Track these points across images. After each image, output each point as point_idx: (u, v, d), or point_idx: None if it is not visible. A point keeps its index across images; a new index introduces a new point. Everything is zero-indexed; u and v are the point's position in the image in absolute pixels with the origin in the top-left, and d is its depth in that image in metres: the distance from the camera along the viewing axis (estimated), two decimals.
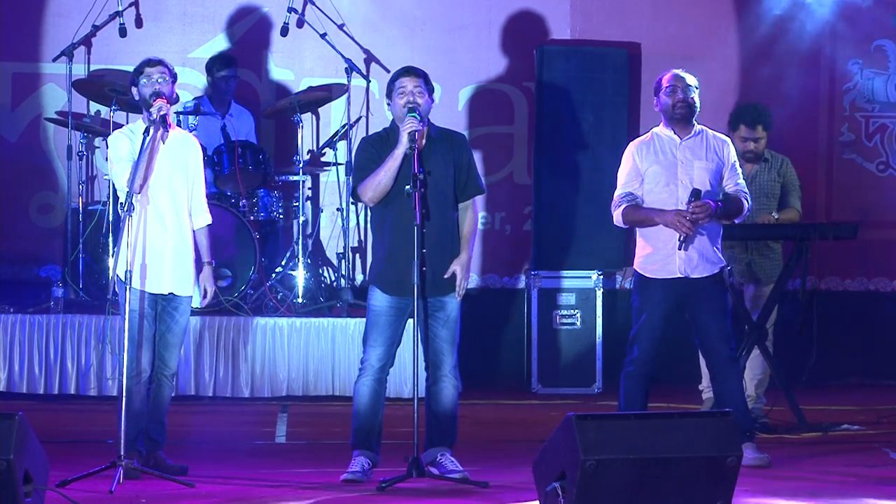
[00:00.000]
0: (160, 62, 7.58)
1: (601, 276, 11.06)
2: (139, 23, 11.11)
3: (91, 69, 11.11)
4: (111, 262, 7.51)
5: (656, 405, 9.98)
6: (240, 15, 11.54)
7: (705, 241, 7.71)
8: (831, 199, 11.75)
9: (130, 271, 7.22)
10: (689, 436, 6.21)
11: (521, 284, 11.47)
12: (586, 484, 6.04)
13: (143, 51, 10.83)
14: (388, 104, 7.51)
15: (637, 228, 7.85)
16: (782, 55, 11.61)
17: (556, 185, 11.14)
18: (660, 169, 7.76)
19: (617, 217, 7.84)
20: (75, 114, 10.58)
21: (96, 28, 10.88)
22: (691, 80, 7.85)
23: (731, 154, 7.88)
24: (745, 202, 7.84)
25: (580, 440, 6.04)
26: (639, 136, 8.02)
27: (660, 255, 7.73)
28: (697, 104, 7.83)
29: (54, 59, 10.99)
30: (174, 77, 7.60)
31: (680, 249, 7.65)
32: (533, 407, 10.41)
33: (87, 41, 10.96)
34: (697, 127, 7.86)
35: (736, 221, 8.05)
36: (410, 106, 7.35)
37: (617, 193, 7.85)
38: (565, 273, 11.05)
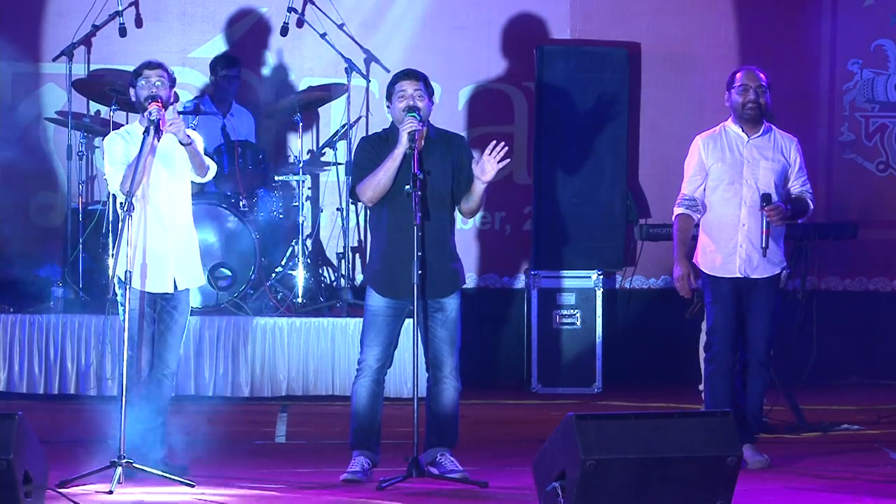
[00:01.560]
0: (159, 65, 7.56)
1: (601, 276, 11.06)
2: (139, 23, 11.11)
3: (91, 69, 11.11)
4: (111, 261, 7.53)
5: (656, 405, 10.01)
6: (240, 15, 11.54)
7: (770, 242, 7.72)
8: (831, 199, 11.75)
9: (130, 271, 7.22)
10: (689, 436, 6.21)
11: (521, 284, 11.47)
12: (586, 484, 6.04)
13: (143, 51, 10.85)
14: (388, 106, 7.51)
15: (700, 225, 7.86)
16: (782, 55, 11.60)
17: (556, 185, 11.14)
18: (725, 167, 7.78)
19: (674, 215, 7.88)
20: (75, 114, 10.58)
21: (96, 28, 10.88)
22: (764, 78, 7.82)
23: (798, 154, 7.88)
24: (810, 203, 7.89)
25: (580, 440, 6.04)
26: (707, 129, 7.96)
27: (721, 254, 7.77)
28: (768, 104, 7.82)
29: (54, 59, 10.99)
30: (173, 81, 7.59)
31: (764, 257, 7.67)
32: (533, 407, 10.41)
33: (87, 41, 10.96)
34: (766, 125, 7.86)
35: (800, 222, 8.08)
36: (410, 105, 7.36)
37: (682, 190, 7.89)
38: (565, 273, 11.05)
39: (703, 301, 8.03)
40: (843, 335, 11.18)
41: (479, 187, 7.37)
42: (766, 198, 7.67)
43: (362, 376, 7.44)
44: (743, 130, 7.83)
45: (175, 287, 7.51)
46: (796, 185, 7.87)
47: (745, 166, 7.78)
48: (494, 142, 7.33)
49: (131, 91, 7.58)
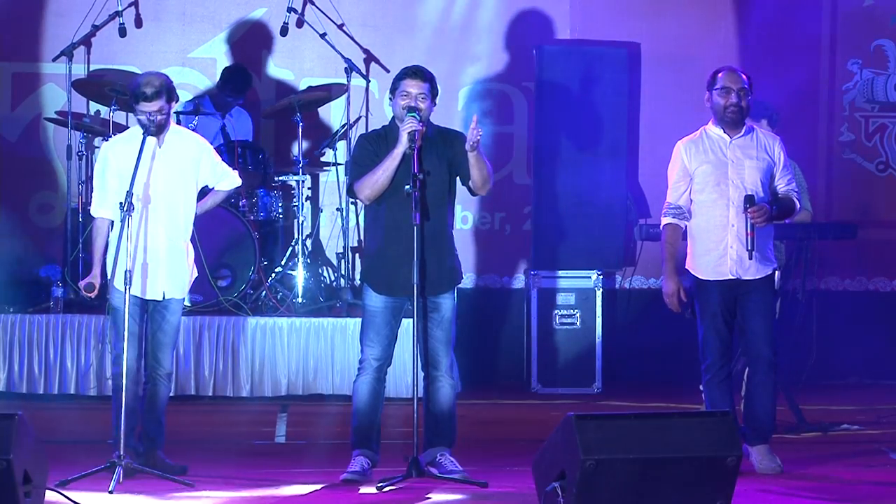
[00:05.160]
0: (156, 95, 7.39)
1: (601, 276, 11.06)
2: (139, 23, 11.11)
3: (91, 69, 11.11)
4: (109, 261, 7.56)
5: (656, 405, 10.01)
6: (239, 15, 11.53)
7: (758, 242, 7.68)
8: (831, 199, 11.75)
9: (131, 271, 7.23)
10: (689, 436, 6.21)
11: (521, 284, 11.47)
12: (586, 484, 6.04)
13: (142, 51, 10.87)
14: (391, 99, 7.51)
15: (687, 229, 7.83)
16: (782, 55, 11.60)
17: (556, 185, 11.14)
18: (710, 168, 7.71)
19: (661, 225, 7.84)
20: (75, 114, 10.58)
21: (96, 28, 10.87)
22: (746, 79, 7.78)
23: (782, 152, 7.85)
24: (796, 202, 7.83)
25: (580, 440, 6.04)
26: (687, 135, 7.90)
27: (712, 257, 7.72)
28: (749, 106, 7.78)
29: (54, 59, 10.99)
30: (171, 98, 7.46)
31: (751, 259, 7.63)
32: (533, 407, 10.41)
33: (86, 41, 10.96)
34: (748, 125, 7.83)
35: (787, 221, 8.04)
36: (410, 105, 7.35)
37: (667, 199, 7.83)
38: (565, 273, 11.05)
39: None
40: (843, 335, 11.17)
41: (470, 157, 7.32)
42: (749, 199, 7.61)
43: (363, 374, 7.46)
44: (725, 131, 7.80)
45: (163, 295, 7.52)
46: (782, 184, 7.83)
47: (730, 167, 7.73)
48: (476, 116, 7.32)
49: (134, 106, 7.53)
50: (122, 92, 10.02)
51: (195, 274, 7.76)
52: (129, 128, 7.85)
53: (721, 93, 7.74)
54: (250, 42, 11.53)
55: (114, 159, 7.53)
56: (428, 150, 7.39)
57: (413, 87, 7.38)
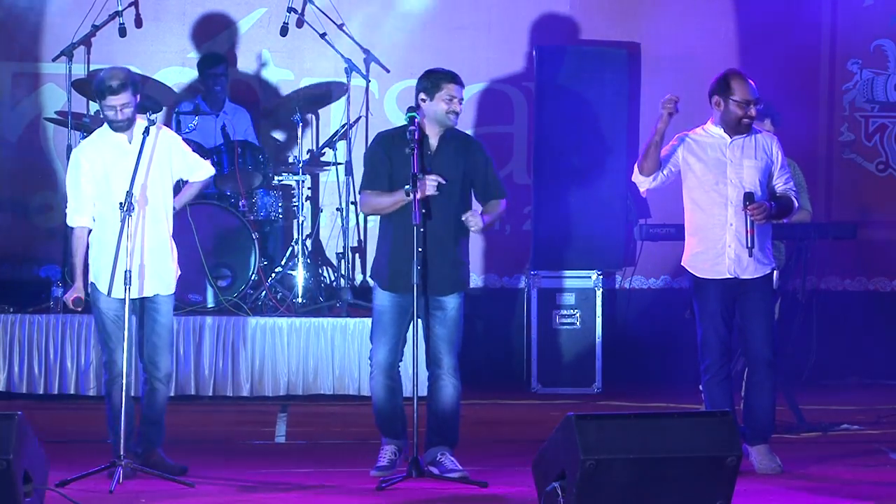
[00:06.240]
0: (122, 87, 7.32)
1: (601, 276, 11.06)
2: (139, 23, 11.10)
3: (91, 69, 11.10)
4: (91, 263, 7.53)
5: (656, 405, 10.01)
6: (239, 14, 11.53)
7: (757, 240, 7.69)
8: (831, 199, 11.75)
9: (130, 271, 7.20)
10: (689, 436, 6.21)
11: (521, 284, 11.47)
12: (586, 484, 6.04)
13: (142, 50, 10.87)
14: (423, 99, 7.49)
15: (686, 228, 7.83)
16: (782, 55, 11.60)
17: (556, 185, 11.13)
18: (708, 168, 7.72)
19: (635, 174, 7.76)
20: (75, 113, 10.57)
21: (96, 28, 10.87)
22: (755, 89, 7.77)
23: (779, 152, 7.87)
24: (794, 201, 7.85)
25: (580, 440, 6.05)
26: (687, 130, 7.91)
27: (710, 255, 7.73)
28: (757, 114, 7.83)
29: (54, 59, 10.99)
30: (137, 91, 7.39)
31: (750, 257, 7.64)
32: (533, 407, 10.41)
33: (86, 41, 10.95)
34: None
35: (784, 221, 8.05)
36: (411, 106, 7.39)
37: None
38: (565, 273, 11.04)
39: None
40: (843, 335, 11.18)
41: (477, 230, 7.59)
42: (748, 197, 7.63)
43: (375, 373, 7.56)
44: (725, 132, 7.81)
45: (142, 290, 7.43)
46: (780, 183, 7.84)
47: (729, 167, 7.74)
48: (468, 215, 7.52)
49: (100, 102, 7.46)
50: None
51: (178, 272, 7.68)
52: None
53: (741, 104, 7.72)
54: (250, 42, 11.54)
55: (87, 163, 7.45)
56: (444, 152, 7.47)
57: (457, 91, 7.49)
